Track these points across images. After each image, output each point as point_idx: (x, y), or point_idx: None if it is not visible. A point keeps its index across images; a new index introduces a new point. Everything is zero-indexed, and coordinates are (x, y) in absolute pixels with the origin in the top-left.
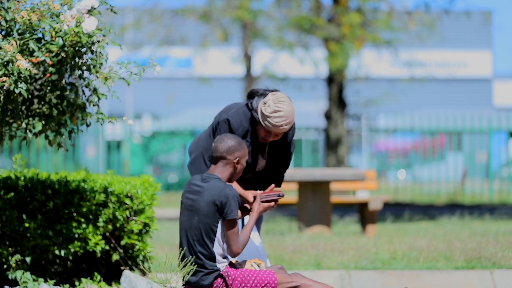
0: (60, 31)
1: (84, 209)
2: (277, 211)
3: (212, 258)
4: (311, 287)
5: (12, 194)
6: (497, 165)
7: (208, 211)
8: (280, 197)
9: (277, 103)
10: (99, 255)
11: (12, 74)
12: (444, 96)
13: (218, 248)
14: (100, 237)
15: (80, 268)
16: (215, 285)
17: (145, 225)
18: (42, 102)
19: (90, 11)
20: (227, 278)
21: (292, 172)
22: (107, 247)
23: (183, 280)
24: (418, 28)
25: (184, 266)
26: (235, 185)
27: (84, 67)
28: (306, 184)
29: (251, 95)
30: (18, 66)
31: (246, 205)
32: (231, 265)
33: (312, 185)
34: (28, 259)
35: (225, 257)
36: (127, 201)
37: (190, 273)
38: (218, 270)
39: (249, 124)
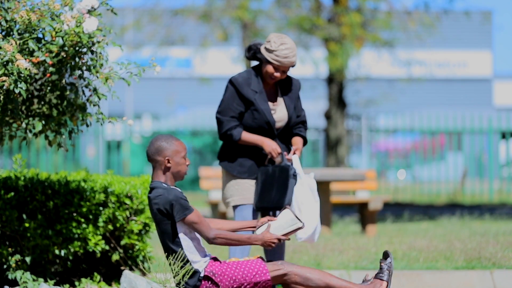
0: (61, 31)
1: (84, 209)
2: None
3: (186, 260)
4: (299, 273)
5: (12, 194)
6: (497, 165)
7: (160, 219)
8: (300, 227)
9: (280, 38)
10: (99, 255)
11: (12, 73)
12: (444, 96)
13: (191, 247)
14: (100, 237)
15: (80, 268)
16: None
17: (145, 225)
18: (42, 102)
19: (90, 12)
20: (214, 277)
21: None
22: (107, 247)
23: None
24: (417, 28)
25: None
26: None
27: (84, 67)
28: None
29: (249, 48)
30: (17, 65)
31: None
32: (215, 260)
33: None
34: (28, 259)
35: (205, 255)
36: (127, 201)
37: (179, 276)
38: (198, 271)
39: (253, 76)
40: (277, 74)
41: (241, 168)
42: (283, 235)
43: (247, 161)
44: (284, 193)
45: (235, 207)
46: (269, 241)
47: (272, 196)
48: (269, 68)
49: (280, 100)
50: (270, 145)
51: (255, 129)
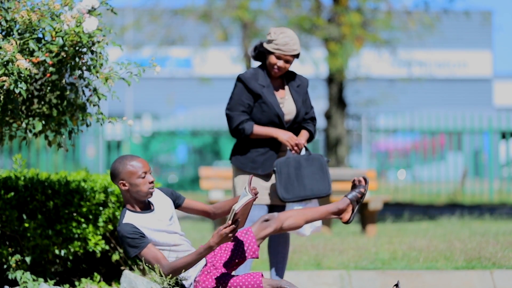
0: (61, 31)
1: (84, 209)
2: None
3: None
4: (289, 218)
5: (12, 194)
6: (497, 165)
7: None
8: (252, 200)
9: (280, 29)
10: (99, 255)
11: (12, 73)
12: (444, 96)
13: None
14: (100, 237)
15: (80, 268)
16: None
17: None
18: (42, 102)
19: (90, 11)
20: None
21: None
22: (107, 247)
23: None
24: (417, 28)
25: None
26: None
27: (84, 67)
28: None
29: (255, 48)
30: (18, 65)
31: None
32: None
33: None
34: (28, 259)
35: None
36: None
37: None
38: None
39: (260, 71)
40: (280, 64)
41: (254, 164)
42: (236, 212)
43: (260, 157)
44: (325, 180)
45: None
46: (222, 239)
47: (307, 185)
48: (272, 59)
49: (288, 94)
50: (286, 134)
51: (264, 124)
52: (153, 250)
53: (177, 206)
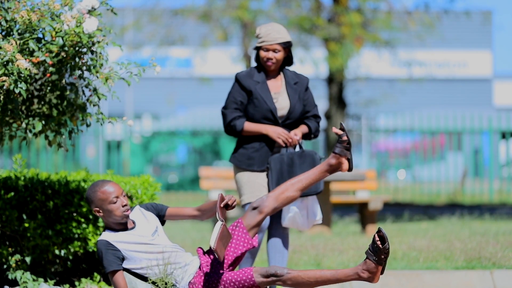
0: (61, 31)
1: (84, 209)
2: None
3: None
4: (283, 193)
5: (12, 194)
6: (497, 165)
7: None
8: (223, 223)
9: (263, 25)
10: None
11: (12, 73)
12: (444, 96)
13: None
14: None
15: (80, 268)
16: None
17: None
18: (42, 102)
19: (90, 12)
20: None
21: None
22: None
23: None
24: (418, 28)
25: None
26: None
27: (84, 67)
28: None
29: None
30: (18, 65)
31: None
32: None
33: None
34: (28, 259)
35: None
36: None
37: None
38: None
39: (256, 69)
40: (270, 55)
41: (249, 160)
42: (215, 248)
43: (255, 153)
44: None
45: (244, 205)
46: None
47: None
48: (261, 53)
49: (283, 89)
50: (275, 131)
51: (258, 120)
52: (119, 278)
53: (162, 216)
